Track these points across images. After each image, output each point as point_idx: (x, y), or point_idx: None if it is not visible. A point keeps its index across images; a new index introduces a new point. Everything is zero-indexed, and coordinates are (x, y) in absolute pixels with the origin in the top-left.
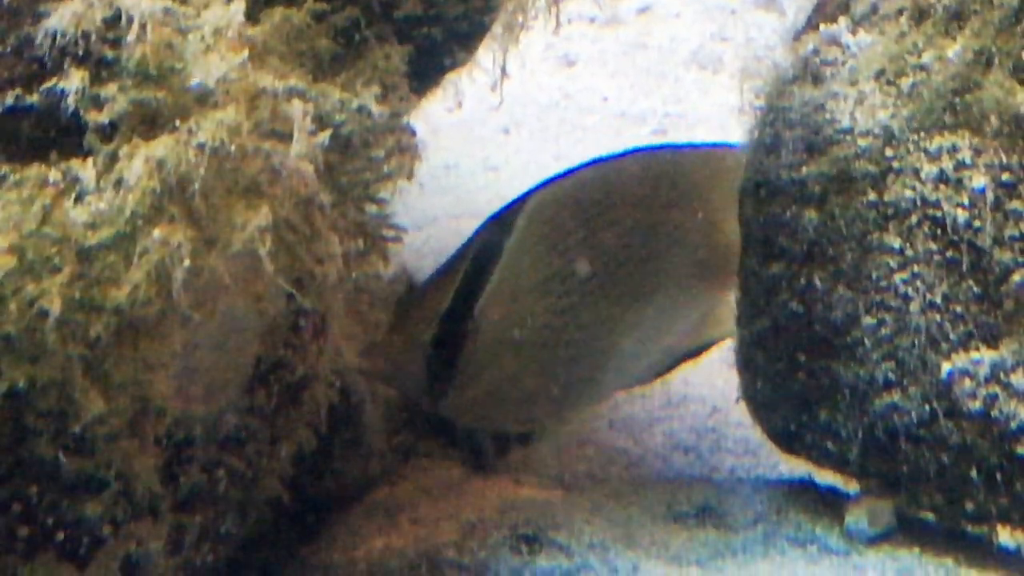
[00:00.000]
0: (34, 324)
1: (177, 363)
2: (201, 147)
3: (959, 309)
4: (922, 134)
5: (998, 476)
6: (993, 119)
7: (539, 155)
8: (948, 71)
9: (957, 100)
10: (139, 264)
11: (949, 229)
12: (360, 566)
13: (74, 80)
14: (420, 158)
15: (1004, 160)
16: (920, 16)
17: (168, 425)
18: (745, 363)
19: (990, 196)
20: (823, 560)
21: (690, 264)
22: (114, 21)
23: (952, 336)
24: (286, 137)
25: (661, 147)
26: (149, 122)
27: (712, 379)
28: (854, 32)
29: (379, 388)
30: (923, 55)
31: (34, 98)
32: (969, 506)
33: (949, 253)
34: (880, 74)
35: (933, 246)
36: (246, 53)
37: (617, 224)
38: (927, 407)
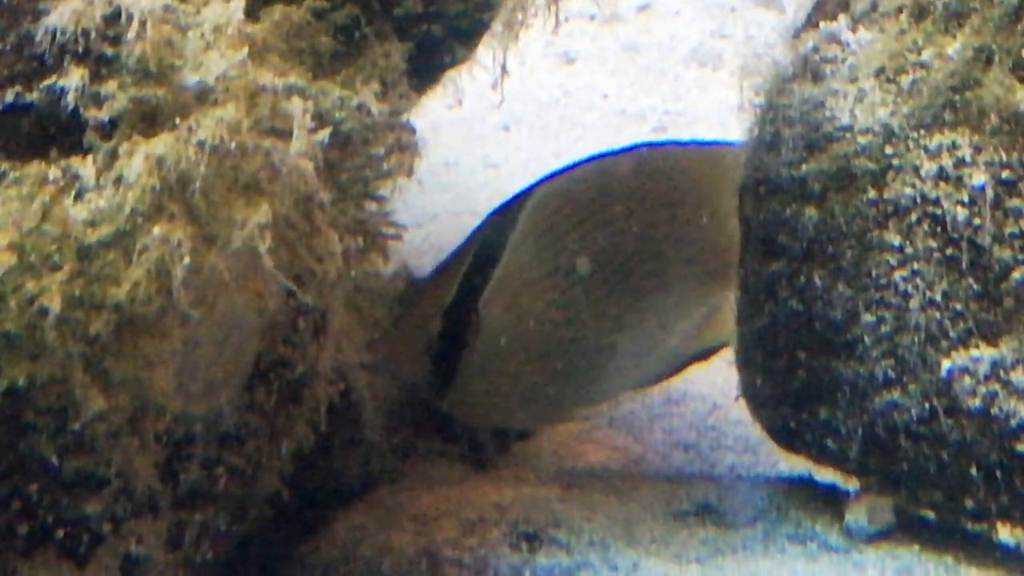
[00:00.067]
0: (34, 321)
1: (177, 360)
2: (201, 145)
3: (959, 307)
4: (922, 132)
5: (998, 474)
6: (993, 117)
7: (539, 152)
8: (948, 69)
9: (957, 98)
10: (139, 261)
11: (949, 227)
12: (360, 563)
13: (74, 78)
14: (420, 155)
15: (1004, 158)
16: (920, 13)
17: (168, 422)
18: (745, 361)
19: (990, 194)
20: (823, 558)
21: (692, 264)
22: (114, 18)
23: (952, 334)
24: (286, 135)
25: (664, 143)
26: (149, 120)
27: (712, 377)
28: (854, 29)
29: (379, 386)
30: (923, 53)
31: (34, 96)
32: (969, 504)
33: (949, 251)
34: (880, 72)
35: (933, 244)
36: (246, 51)
37: (619, 220)
38: (927, 405)
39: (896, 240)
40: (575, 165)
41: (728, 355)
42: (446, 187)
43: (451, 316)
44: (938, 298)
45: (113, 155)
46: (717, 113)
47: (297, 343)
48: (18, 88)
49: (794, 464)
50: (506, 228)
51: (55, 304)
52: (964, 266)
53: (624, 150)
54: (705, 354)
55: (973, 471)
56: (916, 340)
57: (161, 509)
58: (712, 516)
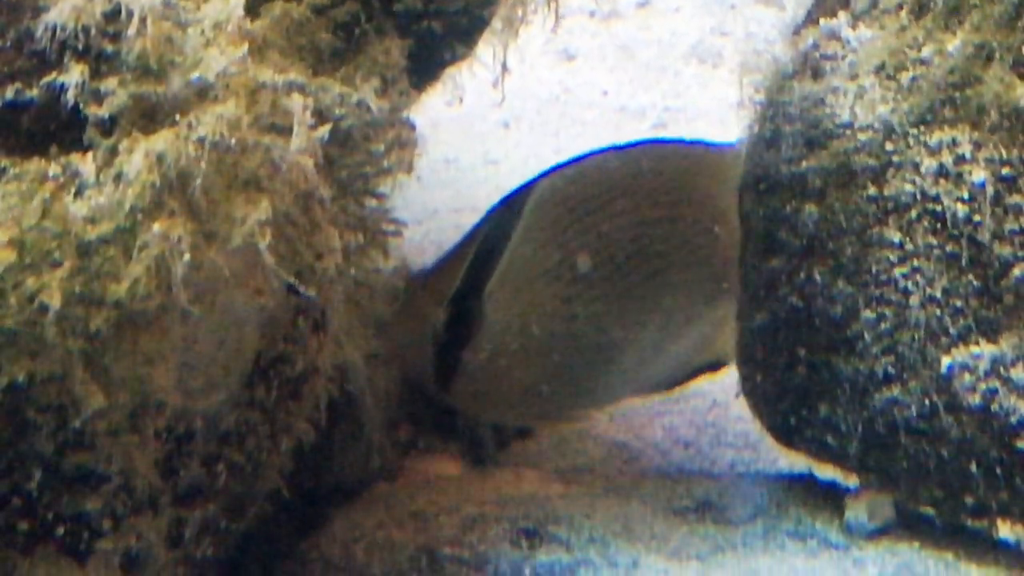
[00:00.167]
0: (34, 318)
1: (177, 357)
2: (201, 141)
3: (959, 303)
4: (922, 128)
5: (998, 470)
6: (993, 113)
7: (539, 149)
8: (948, 65)
9: (957, 94)
10: (139, 258)
11: (949, 223)
12: (360, 560)
13: (74, 74)
14: (420, 152)
15: (1004, 154)
16: (920, 10)
17: (168, 419)
18: (745, 357)
19: (990, 190)
20: (823, 554)
21: (696, 267)
22: (114, 15)
23: (952, 330)
24: (286, 131)
25: (670, 141)
26: (149, 116)
27: None
28: (854, 26)
29: (379, 382)
30: (923, 49)
31: (34, 92)
32: (969, 500)
33: (949, 247)
34: (880, 68)
35: (933, 240)
36: (246, 47)
37: (624, 215)
38: (927, 401)
39: (896, 237)
40: (580, 158)
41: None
42: (446, 184)
43: (456, 306)
44: (938, 295)
45: (113, 152)
46: (717, 110)
47: (297, 340)
48: (18, 85)
49: (794, 461)
50: (511, 219)
51: (55, 301)
52: (964, 263)
53: (628, 145)
54: (713, 366)
55: (973, 468)
56: (916, 337)
57: (161, 506)
58: (712, 513)
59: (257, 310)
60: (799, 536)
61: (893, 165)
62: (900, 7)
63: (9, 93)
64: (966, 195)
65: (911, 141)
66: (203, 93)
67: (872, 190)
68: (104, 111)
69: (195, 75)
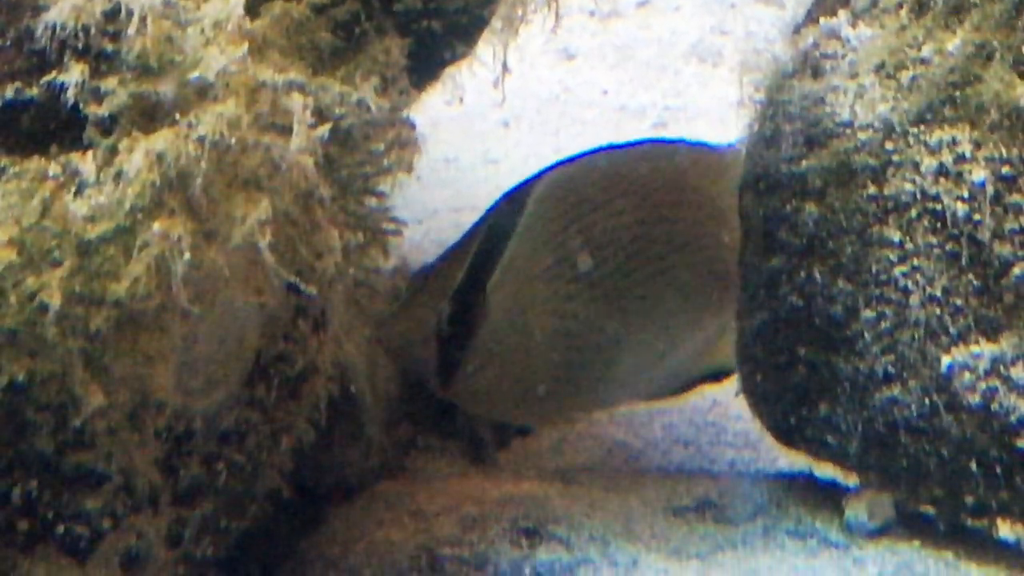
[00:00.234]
0: (34, 317)
1: (177, 356)
2: (201, 140)
3: (959, 302)
4: (922, 127)
5: (998, 470)
6: (993, 112)
7: (539, 148)
8: (948, 64)
9: (957, 93)
10: (139, 257)
11: (949, 222)
12: (359, 559)
13: (74, 73)
14: (420, 151)
15: (1004, 153)
16: (920, 9)
17: (168, 418)
18: (745, 357)
19: (990, 189)
20: (823, 553)
21: (698, 271)
22: (114, 14)
23: (952, 329)
24: (286, 130)
25: (671, 141)
26: (149, 115)
27: None
28: (854, 25)
29: (379, 381)
30: (923, 48)
31: (34, 91)
32: (969, 500)
33: (949, 246)
34: (880, 67)
35: (933, 239)
36: (246, 46)
37: (625, 213)
38: (927, 401)
39: (896, 236)
40: (582, 155)
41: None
42: (446, 183)
43: (458, 301)
44: (938, 294)
45: (113, 151)
46: (717, 109)
47: (297, 339)
48: (18, 84)
49: (794, 460)
50: (513, 215)
51: (55, 300)
52: (964, 262)
53: (630, 144)
54: (716, 375)
55: (973, 467)
56: (916, 336)
57: (161, 505)
58: (712, 512)
59: (257, 309)
60: (799, 535)
61: (893, 164)
62: (900, 6)
63: (9, 92)
64: (966, 194)
65: (911, 140)
66: (203, 92)
67: (872, 189)
68: (104, 110)
69: (195, 74)
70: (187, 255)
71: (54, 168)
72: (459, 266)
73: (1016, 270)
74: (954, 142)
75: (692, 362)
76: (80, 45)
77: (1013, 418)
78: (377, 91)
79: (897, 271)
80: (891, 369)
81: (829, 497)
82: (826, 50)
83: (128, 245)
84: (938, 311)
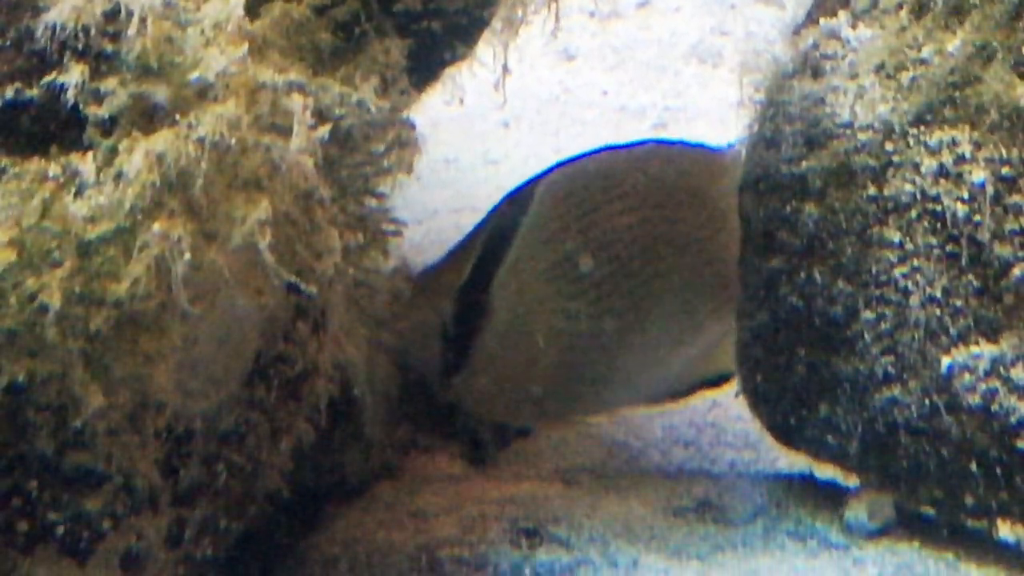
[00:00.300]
0: (34, 318)
1: (177, 357)
2: (201, 141)
3: (959, 303)
4: (922, 128)
5: (998, 470)
6: (993, 113)
7: (539, 149)
8: (948, 65)
9: (957, 94)
10: (139, 258)
11: (949, 223)
12: (360, 560)
13: (74, 74)
14: (420, 152)
15: (1004, 154)
16: (920, 10)
17: (168, 419)
18: (745, 357)
19: (990, 190)
20: (823, 554)
21: (699, 274)
22: (114, 15)
23: (952, 330)
24: (286, 131)
25: (672, 142)
26: (149, 116)
27: None
28: (854, 26)
29: (379, 382)
30: (923, 49)
31: (34, 92)
32: (969, 500)
33: (949, 247)
34: (880, 68)
35: (933, 240)
36: (246, 47)
37: (628, 213)
38: (927, 401)
39: (896, 237)
40: (587, 154)
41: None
42: (446, 183)
43: (464, 298)
44: (938, 295)
45: (113, 151)
46: (717, 110)
47: (297, 339)
48: (18, 84)
49: (794, 461)
50: (518, 213)
51: (55, 301)
52: (964, 263)
53: (634, 144)
54: (716, 381)
55: (973, 468)
56: (916, 337)
57: (161, 506)
58: (712, 512)
59: (257, 310)
60: (799, 536)
61: (893, 165)
62: (900, 7)
63: (9, 93)
64: (966, 195)
65: (911, 141)
66: (203, 93)
67: (872, 190)
68: (104, 111)
69: (195, 75)
70: (187, 256)
71: (54, 169)
72: (463, 265)
73: (1016, 271)
74: (954, 143)
75: (693, 366)
76: (80, 46)
77: (1013, 419)
78: (377, 92)
79: (897, 272)
80: (891, 370)
81: (829, 498)
82: (826, 51)
83: (128, 246)
84: (938, 312)
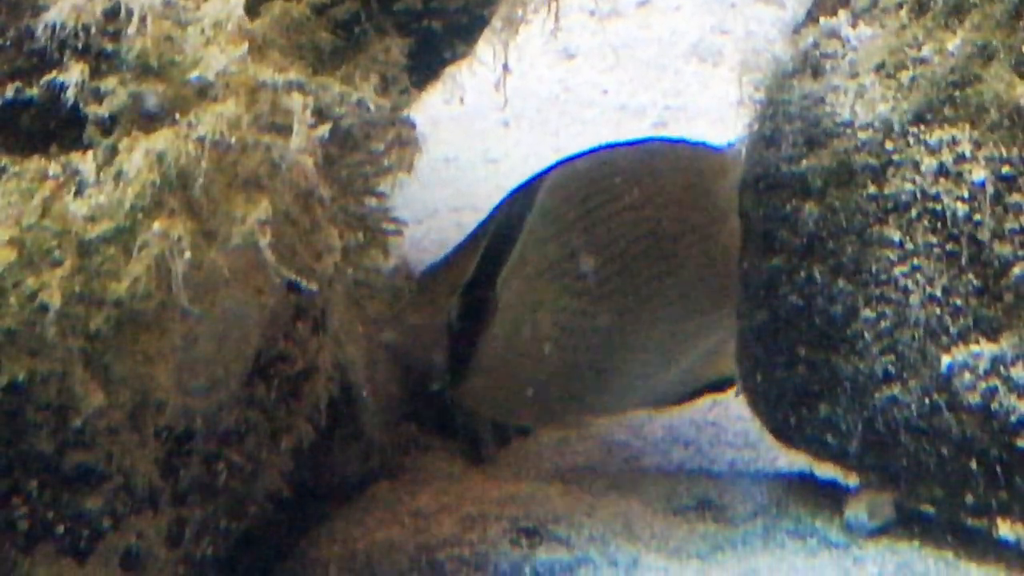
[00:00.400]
0: (34, 317)
1: (177, 356)
2: (201, 140)
3: (959, 302)
4: (922, 127)
5: (998, 469)
6: (993, 112)
7: (539, 148)
8: (948, 64)
9: (957, 93)
10: (139, 257)
11: (949, 222)
12: (360, 559)
13: (74, 73)
14: (420, 151)
15: (1004, 153)
16: (920, 9)
17: (168, 418)
18: (745, 356)
19: (990, 189)
20: (823, 553)
21: (704, 275)
22: (114, 14)
23: (952, 329)
24: (286, 130)
25: (675, 140)
26: (149, 115)
27: None
28: (854, 25)
29: (379, 381)
30: (923, 48)
31: (34, 91)
32: (969, 499)
33: (949, 246)
34: (880, 67)
35: (933, 239)
36: (246, 46)
37: (634, 210)
38: (927, 400)
39: (896, 236)
40: (591, 151)
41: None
42: (446, 183)
43: (469, 295)
44: (938, 294)
45: (113, 151)
46: (717, 109)
47: (297, 339)
48: (18, 83)
49: (794, 460)
50: (523, 209)
51: (55, 300)
52: (964, 262)
53: (636, 142)
54: (720, 385)
55: (973, 467)
56: (916, 336)
57: (161, 505)
58: (712, 512)
59: (257, 309)
60: (799, 535)
61: (893, 164)
62: (900, 6)
63: (9, 92)
64: (966, 194)
65: (911, 140)
66: (203, 92)
67: (872, 189)
68: (104, 110)
69: (195, 74)
70: (187, 255)
71: (54, 168)
72: (468, 263)
73: (1016, 270)
74: (954, 142)
75: (697, 370)
76: (80, 45)
77: (1013, 418)
78: (377, 91)
79: (897, 271)
80: (891, 369)
81: (829, 497)
82: (826, 50)
83: (128, 245)
84: (938, 311)
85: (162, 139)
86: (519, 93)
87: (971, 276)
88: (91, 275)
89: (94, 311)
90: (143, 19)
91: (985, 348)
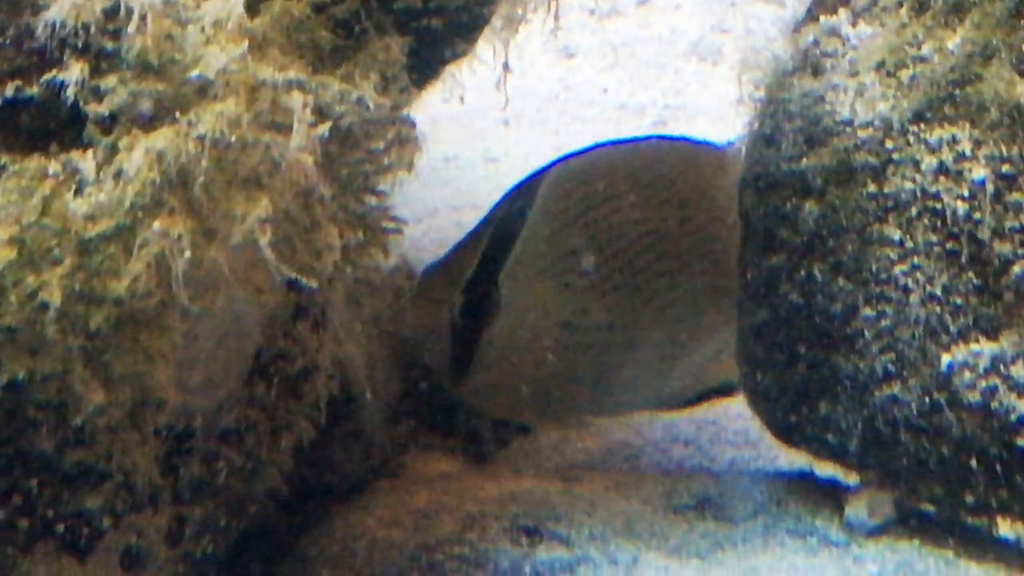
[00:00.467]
0: (34, 316)
1: (177, 355)
2: (201, 139)
3: (959, 301)
4: (922, 126)
5: (998, 468)
6: (993, 111)
7: (539, 147)
8: (948, 63)
9: (957, 92)
10: (139, 256)
11: (949, 221)
12: (360, 558)
13: (74, 72)
14: (420, 150)
15: (1004, 152)
16: (920, 7)
17: (168, 417)
18: (745, 355)
19: (990, 188)
20: (823, 552)
21: (708, 277)
22: (114, 12)
23: (952, 328)
24: (286, 129)
25: (675, 139)
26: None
27: None
28: (854, 24)
29: (379, 379)
30: (923, 47)
31: (34, 90)
32: (969, 498)
33: (949, 245)
34: (880, 66)
35: (933, 238)
36: (246, 45)
37: (633, 208)
38: (927, 399)
39: (896, 234)
40: (592, 148)
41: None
42: (446, 181)
43: (471, 291)
44: (938, 292)
45: (113, 149)
46: (717, 107)
47: (297, 337)
48: (18, 82)
49: (794, 458)
50: (524, 205)
51: (55, 298)
52: (964, 260)
53: (639, 139)
54: (728, 389)
55: (973, 465)
56: (916, 334)
57: (161, 504)
58: (712, 510)
59: (257, 308)
60: (799, 534)
61: (893, 162)
62: (900, 4)
63: (9, 90)
64: (966, 193)
65: (911, 139)
66: (203, 91)
67: (872, 187)
68: (104, 108)
69: (195, 72)
70: (187, 253)
71: (54, 166)
72: (470, 259)
73: (1016, 268)
74: (954, 140)
75: (703, 372)
76: (80, 43)
77: (1013, 416)
78: (377, 89)
79: (897, 269)
80: (891, 367)
81: (829, 495)
82: (826, 48)
83: (128, 243)
84: (938, 309)
85: (162, 138)
86: (519, 92)
87: (971, 275)
88: (91, 273)
89: (94, 309)
90: (143, 17)
91: (985, 347)
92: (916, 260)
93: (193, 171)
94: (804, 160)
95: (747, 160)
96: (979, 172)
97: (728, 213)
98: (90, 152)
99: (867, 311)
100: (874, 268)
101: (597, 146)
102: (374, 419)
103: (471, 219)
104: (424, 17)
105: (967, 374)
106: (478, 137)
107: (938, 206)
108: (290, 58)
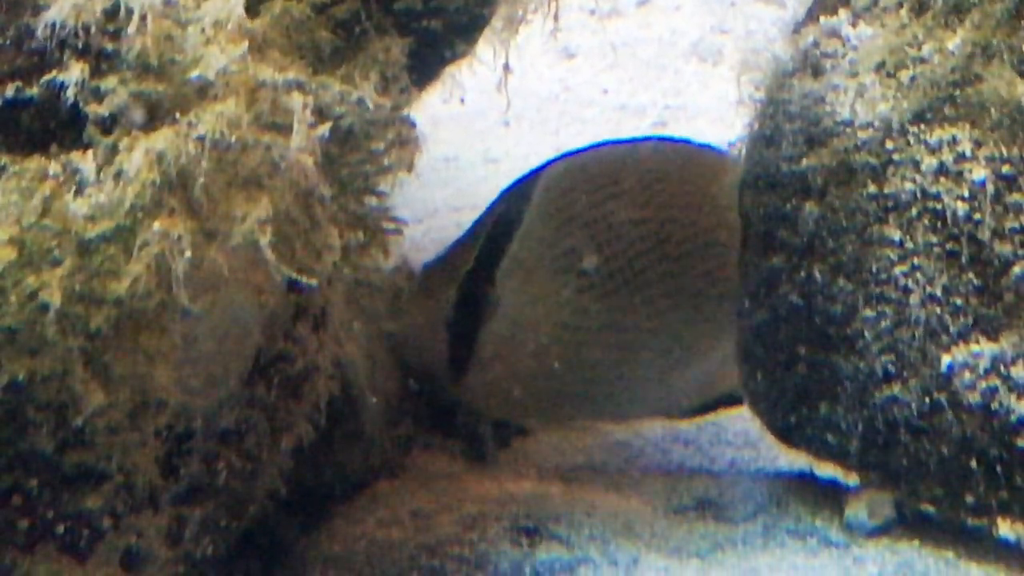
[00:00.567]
0: (34, 317)
1: (177, 355)
2: (201, 139)
3: (959, 301)
4: (922, 126)
5: (998, 469)
6: (993, 111)
7: (539, 147)
8: (948, 63)
9: (957, 92)
10: (139, 256)
11: (949, 221)
12: (360, 558)
13: (74, 72)
14: (420, 150)
15: (1004, 152)
16: (920, 8)
17: (168, 417)
18: (745, 356)
19: (990, 188)
20: (823, 552)
21: (713, 280)
22: (114, 13)
23: (952, 328)
24: (286, 129)
25: (675, 140)
26: (149, 114)
27: None
28: (854, 24)
29: (379, 380)
30: (923, 47)
31: (34, 90)
32: (969, 499)
33: (949, 245)
34: (880, 66)
35: (933, 238)
36: (246, 45)
37: (634, 209)
38: (927, 400)
39: (896, 235)
40: (589, 147)
41: None
42: (446, 182)
43: (469, 287)
44: (938, 293)
45: (113, 150)
46: (717, 108)
47: (297, 338)
48: (18, 83)
49: (794, 459)
50: (521, 204)
51: (55, 299)
52: (964, 261)
53: (638, 140)
54: (736, 399)
55: (973, 466)
56: (916, 335)
57: (161, 504)
58: (712, 511)
59: (257, 308)
60: (799, 534)
61: (893, 163)
62: (900, 5)
63: (9, 91)
64: (966, 193)
65: (911, 139)
66: (203, 91)
67: (872, 188)
68: (104, 109)
69: (195, 73)
70: (187, 254)
71: (54, 167)
72: (468, 256)
73: (1016, 269)
74: (954, 141)
75: (709, 380)
76: (80, 44)
77: (1013, 417)
78: (377, 90)
79: (897, 270)
80: (891, 368)
81: (829, 496)
82: (826, 49)
83: (128, 244)
84: (938, 310)
85: (162, 138)
86: (519, 93)
87: (971, 275)
88: (91, 274)
89: (94, 310)
90: (143, 18)
91: (985, 347)
92: (916, 261)
93: (193, 172)
94: (804, 161)
95: (747, 161)
96: (979, 173)
97: (728, 214)
98: (90, 153)
99: (867, 312)
100: (874, 269)
101: (594, 146)
102: (374, 420)
103: (471, 220)
104: (424, 18)
105: (967, 375)
106: (478, 138)
107: (938, 207)
108: (290, 59)
